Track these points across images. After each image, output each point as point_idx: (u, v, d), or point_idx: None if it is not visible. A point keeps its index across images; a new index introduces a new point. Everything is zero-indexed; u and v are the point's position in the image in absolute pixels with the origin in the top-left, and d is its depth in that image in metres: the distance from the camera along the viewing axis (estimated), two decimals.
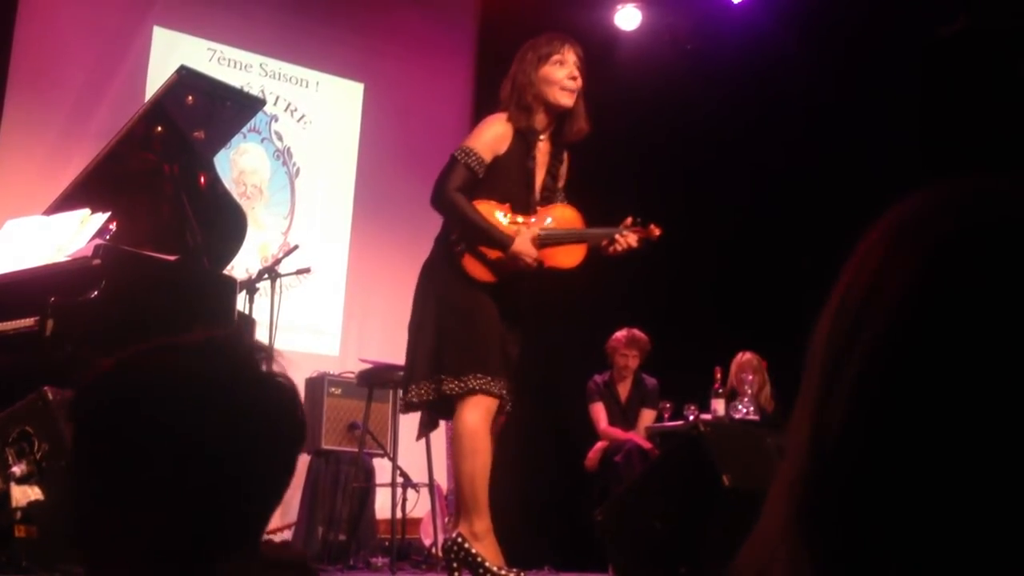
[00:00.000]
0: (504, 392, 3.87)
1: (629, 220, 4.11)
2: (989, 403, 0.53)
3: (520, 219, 3.99)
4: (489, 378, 3.82)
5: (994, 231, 0.57)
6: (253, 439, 1.09)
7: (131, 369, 1.12)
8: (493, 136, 3.97)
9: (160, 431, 1.07)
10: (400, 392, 4.30)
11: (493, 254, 3.89)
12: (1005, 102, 5.83)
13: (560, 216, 4.08)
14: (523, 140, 4.01)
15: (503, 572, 3.79)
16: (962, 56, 6.15)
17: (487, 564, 3.77)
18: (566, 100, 4.01)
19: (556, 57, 4.04)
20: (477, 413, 3.82)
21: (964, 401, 0.53)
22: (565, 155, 4.16)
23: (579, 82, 4.05)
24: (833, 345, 0.59)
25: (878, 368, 0.56)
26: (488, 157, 3.93)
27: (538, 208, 4.05)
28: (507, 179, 3.98)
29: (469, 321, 3.88)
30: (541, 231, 3.96)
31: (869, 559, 0.55)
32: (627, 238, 4.03)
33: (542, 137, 4.05)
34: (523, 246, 3.87)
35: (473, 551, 3.78)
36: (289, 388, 1.14)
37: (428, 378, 3.88)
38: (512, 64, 4.11)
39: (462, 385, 3.81)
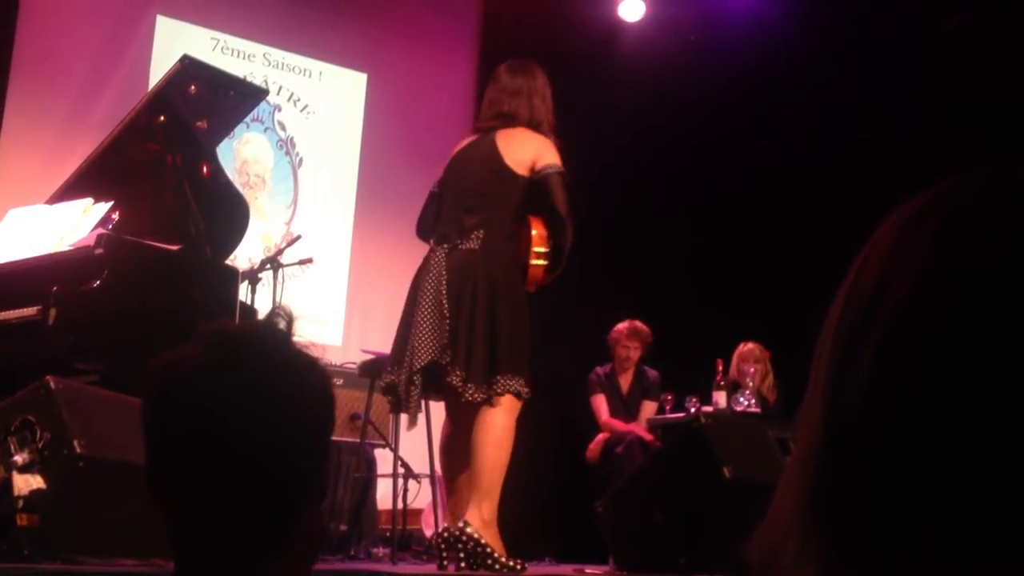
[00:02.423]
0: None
1: None
2: (1008, 379, 0.53)
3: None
4: (522, 381, 3.99)
5: (1005, 210, 0.57)
6: (295, 422, 1.15)
7: (181, 360, 1.15)
8: None
9: (203, 419, 1.11)
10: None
11: (547, 276, 4.12)
12: (1009, 93, 5.82)
13: None
14: None
15: (511, 564, 3.82)
16: (966, 47, 6.14)
17: (495, 555, 3.80)
18: None
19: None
20: (512, 416, 3.98)
21: (984, 377, 0.53)
22: None
23: None
24: (845, 328, 0.59)
25: (894, 348, 0.56)
26: None
27: None
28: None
29: (526, 327, 4.06)
30: None
31: (886, 539, 0.55)
32: None
33: None
34: None
35: (483, 541, 3.81)
36: (322, 369, 1.21)
37: (484, 379, 3.97)
38: (532, 82, 4.31)
39: (515, 385, 3.97)
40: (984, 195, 0.58)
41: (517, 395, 3.95)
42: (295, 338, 1.20)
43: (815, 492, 0.58)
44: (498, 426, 3.93)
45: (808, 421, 0.60)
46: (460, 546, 3.83)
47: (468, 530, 3.82)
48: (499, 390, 3.93)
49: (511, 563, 3.84)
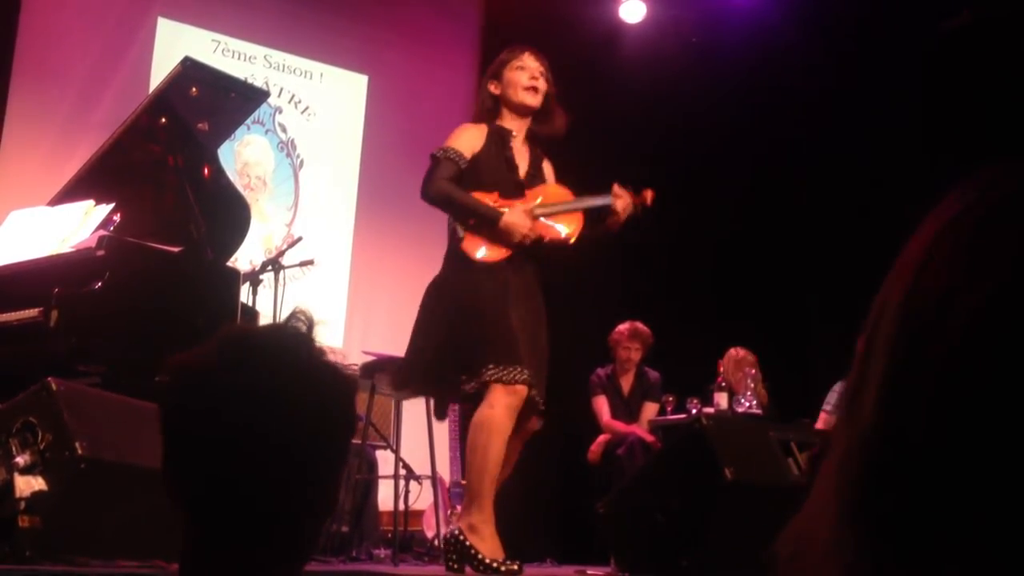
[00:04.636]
0: (526, 378, 3.84)
1: (616, 186, 4.17)
2: None
3: (510, 202, 4.08)
4: (503, 367, 3.82)
5: None
6: (311, 430, 1.14)
7: (206, 360, 1.15)
8: (467, 136, 4.11)
9: (227, 422, 1.11)
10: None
11: (491, 234, 3.96)
12: (1007, 95, 5.82)
13: (549, 192, 4.19)
14: (498, 136, 4.15)
15: (495, 564, 3.81)
16: (965, 49, 6.14)
17: (480, 556, 3.80)
18: (531, 100, 4.14)
19: (516, 63, 4.18)
20: (498, 408, 3.82)
21: None
22: (545, 161, 4.28)
23: (543, 83, 4.17)
24: (906, 334, 0.57)
25: (967, 363, 0.54)
26: (467, 153, 4.05)
27: (527, 191, 4.14)
28: (490, 170, 4.09)
29: (477, 313, 3.90)
30: (534, 206, 4.05)
31: (933, 544, 0.54)
32: (622, 199, 4.12)
33: (515, 134, 4.17)
34: (514, 217, 3.95)
35: (468, 543, 3.82)
36: (344, 378, 1.19)
37: (444, 379, 3.93)
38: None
39: (479, 380, 3.83)
40: None
41: (493, 382, 3.90)
42: (317, 344, 1.18)
43: (858, 492, 0.57)
44: (480, 428, 3.89)
45: (855, 419, 0.58)
46: (450, 548, 3.90)
47: (457, 533, 3.89)
48: (468, 389, 3.93)
49: (496, 564, 3.82)
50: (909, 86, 6.49)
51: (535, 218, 4.01)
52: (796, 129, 7.00)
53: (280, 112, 7.64)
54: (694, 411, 5.74)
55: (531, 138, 4.21)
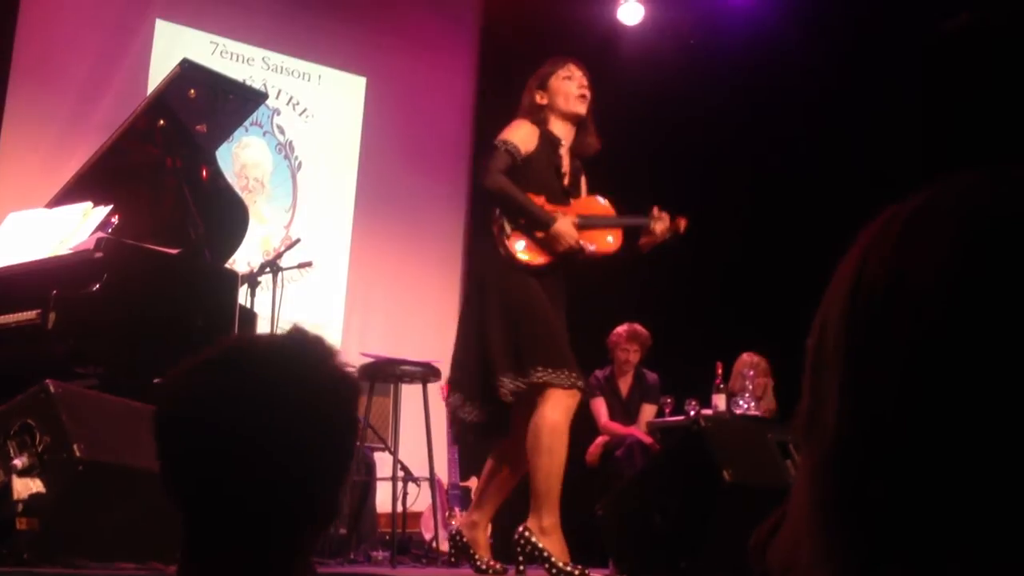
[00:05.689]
0: (580, 383, 3.97)
1: (656, 210, 4.21)
2: None
3: (556, 209, 4.13)
4: (566, 370, 3.91)
5: (1018, 210, 0.56)
6: (313, 429, 1.14)
7: (205, 369, 1.15)
8: (525, 133, 4.14)
9: (234, 426, 1.11)
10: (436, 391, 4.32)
11: (539, 236, 4.02)
12: (1006, 98, 5.83)
13: (592, 205, 4.27)
14: (549, 141, 4.18)
15: (568, 568, 3.85)
16: (964, 51, 6.15)
17: (553, 559, 3.84)
18: (579, 107, 4.18)
19: (563, 73, 4.23)
20: (558, 411, 3.90)
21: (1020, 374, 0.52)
22: (583, 174, 4.33)
23: (589, 93, 4.21)
24: (856, 333, 0.58)
25: (926, 353, 0.55)
26: (523, 149, 4.09)
27: (571, 200, 4.20)
28: (539, 173, 4.13)
29: (527, 313, 3.97)
30: (579, 217, 4.11)
31: (925, 538, 0.54)
32: (661, 223, 4.26)
33: (563, 142, 4.21)
34: (565, 226, 4.01)
35: (540, 545, 3.86)
36: (349, 380, 1.19)
37: (504, 380, 3.93)
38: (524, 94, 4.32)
39: (528, 381, 3.89)
40: (995, 195, 0.57)
41: (549, 386, 3.97)
42: (316, 347, 1.18)
43: (836, 494, 0.57)
44: (544, 431, 3.94)
45: (818, 435, 0.59)
46: (519, 549, 3.91)
47: (526, 534, 3.91)
48: (535, 380, 3.98)
49: (569, 568, 3.86)
50: (909, 87, 6.49)
51: (580, 229, 4.07)
52: (796, 129, 6.99)
53: (278, 114, 7.64)
54: (692, 413, 5.73)
55: (573, 149, 4.26)
